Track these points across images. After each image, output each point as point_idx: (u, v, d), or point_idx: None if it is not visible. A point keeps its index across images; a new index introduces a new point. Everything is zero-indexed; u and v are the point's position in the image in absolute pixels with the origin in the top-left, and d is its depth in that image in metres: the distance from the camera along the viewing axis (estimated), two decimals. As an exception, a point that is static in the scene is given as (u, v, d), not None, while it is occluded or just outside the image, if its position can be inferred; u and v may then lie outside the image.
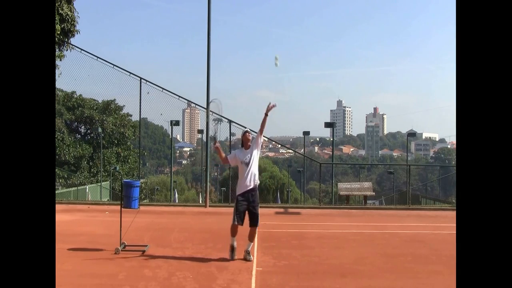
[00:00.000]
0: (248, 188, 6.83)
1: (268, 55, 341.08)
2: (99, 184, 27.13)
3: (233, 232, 6.83)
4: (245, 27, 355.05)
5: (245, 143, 7.04)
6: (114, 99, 32.61)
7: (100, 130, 30.28)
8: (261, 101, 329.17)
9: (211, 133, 6.98)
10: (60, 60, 14.88)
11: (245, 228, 6.90)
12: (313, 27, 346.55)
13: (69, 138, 31.07)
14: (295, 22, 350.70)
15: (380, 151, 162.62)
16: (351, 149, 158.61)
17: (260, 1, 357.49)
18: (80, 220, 11.08)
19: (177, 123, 19.70)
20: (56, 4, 13.61)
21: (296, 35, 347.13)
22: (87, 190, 25.06)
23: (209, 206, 14.10)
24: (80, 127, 34.28)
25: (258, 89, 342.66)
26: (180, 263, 6.70)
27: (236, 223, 6.72)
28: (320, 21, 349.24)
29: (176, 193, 30.72)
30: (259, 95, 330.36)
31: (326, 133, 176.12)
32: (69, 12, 14.42)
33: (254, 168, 6.93)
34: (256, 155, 6.96)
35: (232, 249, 6.86)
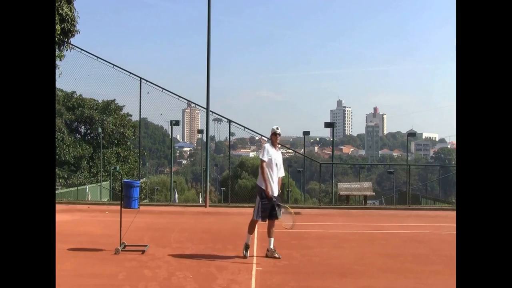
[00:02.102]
0: (274, 194, 6.89)
1: (267, 54, 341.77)
2: (99, 184, 27.12)
3: (252, 229, 6.98)
4: (244, 26, 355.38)
5: (274, 142, 7.01)
6: (114, 99, 32.59)
7: (100, 130, 30.25)
8: (261, 101, 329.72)
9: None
10: (60, 60, 14.89)
11: (238, 228, 6.87)
12: (313, 26, 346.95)
13: (69, 138, 31.04)
14: (295, 21, 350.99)
15: (380, 151, 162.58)
16: (351, 149, 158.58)
17: (260, 1, 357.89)
18: (80, 220, 11.07)
19: (177, 123, 19.67)
20: (56, 4, 13.61)
21: (296, 35, 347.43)
22: (87, 190, 25.04)
23: (209, 206, 14.10)
24: (80, 127, 34.24)
25: (258, 89, 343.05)
26: (180, 263, 6.70)
27: (256, 218, 6.86)
28: (321, 20, 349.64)
29: (176, 193, 30.70)
30: (259, 95, 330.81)
31: (326, 133, 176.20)
32: (69, 12, 14.42)
33: (278, 172, 7.00)
34: (281, 164, 7.07)
35: (247, 247, 6.93)
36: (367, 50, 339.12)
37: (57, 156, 27.50)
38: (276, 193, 6.88)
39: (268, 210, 6.79)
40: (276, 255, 6.91)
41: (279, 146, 7.21)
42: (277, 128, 6.97)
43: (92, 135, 33.90)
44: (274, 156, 6.90)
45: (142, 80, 15.34)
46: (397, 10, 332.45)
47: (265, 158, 6.84)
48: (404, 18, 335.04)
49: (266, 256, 6.96)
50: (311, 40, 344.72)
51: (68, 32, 14.85)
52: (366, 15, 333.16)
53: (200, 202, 23.63)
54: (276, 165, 6.89)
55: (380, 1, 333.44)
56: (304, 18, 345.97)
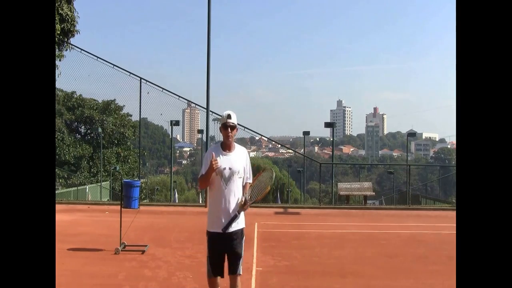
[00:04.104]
0: (224, 228, 4.04)
1: (266, 53, 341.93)
2: (99, 184, 27.11)
3: None
4: (243, 24, 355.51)
5: (225, 139, 4.14)
6: (114, 99, 32.58)
7: (100, 130, 30.24)
8: (259, 99, 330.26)
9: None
10: (60, 60, 14.90)
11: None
12: (311, 24, 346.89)
13: (69, 138, 31.02)
14: (295, 19, 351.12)
15: (380, 151, 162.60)
16: (351, 149, 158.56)
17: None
18: (80, 220, 11.07)
19: (177, 123, 19.68)
20: (56, 4, 13.61)
21: (294, 33, 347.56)
22: (87, 190, 25.02)
23: (209, 206, 14.09)
24: (80, 127, 34.22)
25: (256, 87, 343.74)
26: (180, 263, 6.70)
27: (208, 274, 4.19)
28: (320, 18, 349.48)
29: (176, 193, 30.68)
30: (256, 93, 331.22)
31: (326, 133, 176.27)
32: (69, 12, 14.44)
33: (236, 188, 4.10)
34: (243, 172, 4.19)
35: None
36: (366, 48, 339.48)
37: (57, 156, 27.49)
38: (231, 227, 4.05)
39: (221, 258, 4.13)
40: None
41: (244, 147, 4.35)
42: (228, 116, 4.09)
43: (92, 135, 33.89)
44: (224, 164, 4.05)
45: (142, 80, 15.36)
46: (397, 7, 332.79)
47: (203, 171, 4.09)
48: (404, 15, 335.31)
49: None
50: (310, 38, 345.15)
51: (68, 32, 14.87)
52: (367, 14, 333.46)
53: (200, 202, 23.62)
54: (232, 174, 4.07)
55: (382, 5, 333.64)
56: (301, 16, 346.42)
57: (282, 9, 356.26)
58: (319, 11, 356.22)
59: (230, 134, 4.11)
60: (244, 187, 4.18)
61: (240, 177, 4.14)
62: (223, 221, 4.02)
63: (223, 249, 4.09)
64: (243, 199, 4.07)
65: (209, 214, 4.13)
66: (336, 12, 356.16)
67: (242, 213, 4.13)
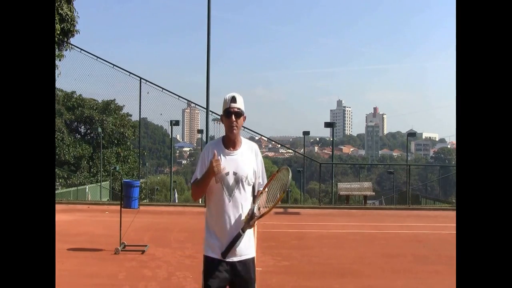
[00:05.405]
0: (224, 253, 2.91)
1: (264, 52, 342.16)
2: (99, 184, 27.11)
3: None
4: (242, 24, 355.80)
5: (227, 130, 3.00)
6: (114, 99, 32.58)
7: (100, 130, 30.24)
8: (259, 99, 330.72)
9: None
10: (60, 60, 14.91)
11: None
12: (310, 23, 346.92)
13: (69, 138, 31.01)
14: (294, 18, 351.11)
15: (380, 151, 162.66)
16: (351, 149, 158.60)
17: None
18: (80, 220, 11.07)
19: (177, 123, 19.69)
20: (56, 4, 13.61)
21: (293, 32, 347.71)
22: (87, 190, 25.03)
23: (209, 206, 14.07)
24: (80, 127, 34.23)
25: (255, 87, 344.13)
26: (180, 263, 6.70)
27: None
28: (318, 17, 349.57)
29: (176, 193, 30.66)
30: (255, 93, 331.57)
31: (326, 133, 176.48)
32: (69, 12, 14.43)
33: (244, 200, 2.98)
34: (253, 176, 3.04)
35: None
36: (367, 47, 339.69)
37: (57, 156, 27.49)
38: (235, 251, 2.91)
39: None
40: None
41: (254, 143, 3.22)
42: (233, 100, 2.95)
43: (92, 135, 33.90)
44: (228, 167, 2.94)
45: (142, 80, 15.39)
46: (398, 7, 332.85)
47: (197, 174, 3.03)
48: (404, 14, 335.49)
49: None
50: (308, 37, 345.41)
51: (68, 32, 14.87)
52: (367, 12, 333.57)
53: (200, 202, 23.62)
54: (238, 181, 2.95)
55: None
56: (300, 15, 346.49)
57: (282, 9, 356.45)
58: (320, 11, 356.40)
59: (235, 123, 2.92)
60: (255, 197, 3.02)
61: (250, 184, 3.00)
62: (228, 232, 2.90)
63: (224, 282, 2.91)
64: (249, 212, 2.92)
65: (207, 235, 2.99)
66: (337, 13, 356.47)
67: (250, 232, 2.98)
